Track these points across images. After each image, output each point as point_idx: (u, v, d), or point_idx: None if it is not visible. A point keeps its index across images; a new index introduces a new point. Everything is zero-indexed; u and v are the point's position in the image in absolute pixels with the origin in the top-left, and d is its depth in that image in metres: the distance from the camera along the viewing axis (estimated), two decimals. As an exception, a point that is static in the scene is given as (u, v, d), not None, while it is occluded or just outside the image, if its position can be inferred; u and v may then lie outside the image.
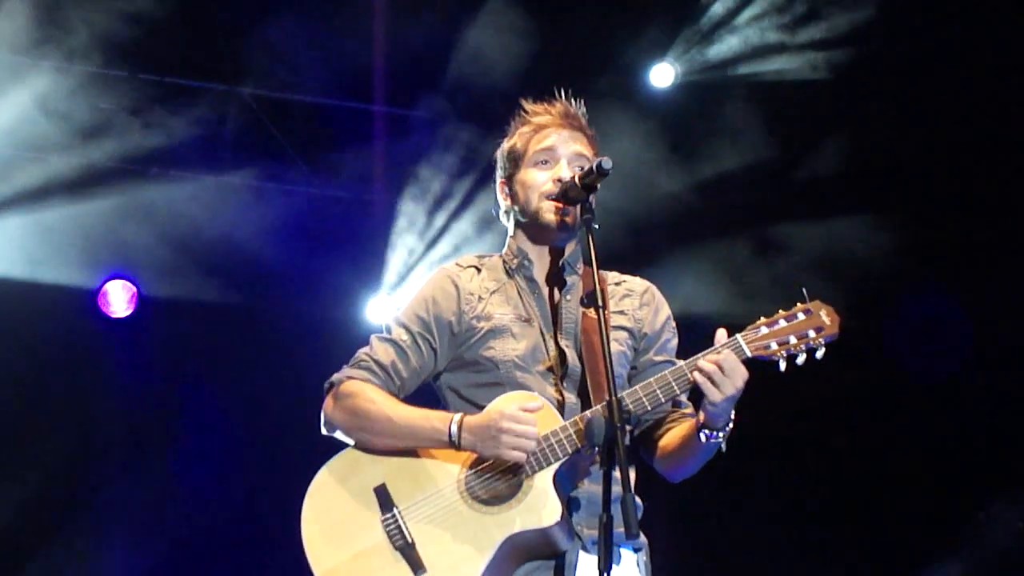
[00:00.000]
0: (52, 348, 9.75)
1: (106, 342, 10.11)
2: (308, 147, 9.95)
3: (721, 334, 4.20)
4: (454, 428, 4.23)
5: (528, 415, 4.14)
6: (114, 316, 10.06)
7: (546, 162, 4.54)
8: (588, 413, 4.18)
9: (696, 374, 4.13)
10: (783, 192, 9.46)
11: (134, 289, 10.10)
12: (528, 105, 4.71)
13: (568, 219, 4.45)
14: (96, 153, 9.55)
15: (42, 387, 9.73)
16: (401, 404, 4.40)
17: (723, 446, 4.27)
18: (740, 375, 4.13)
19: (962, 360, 9.13)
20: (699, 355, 4.18)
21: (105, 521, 9.97)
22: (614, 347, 4.45)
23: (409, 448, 4.35)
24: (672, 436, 4.44)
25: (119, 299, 10.06)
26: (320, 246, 10.03)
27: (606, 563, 3.83)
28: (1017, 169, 8.98)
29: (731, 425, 4.25)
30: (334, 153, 9.95)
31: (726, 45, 9.40)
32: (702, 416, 4.22)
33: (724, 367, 4.12)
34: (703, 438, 4.23)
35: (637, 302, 4.63)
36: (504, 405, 4.18)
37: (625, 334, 4.54)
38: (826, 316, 4.21)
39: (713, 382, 4.11)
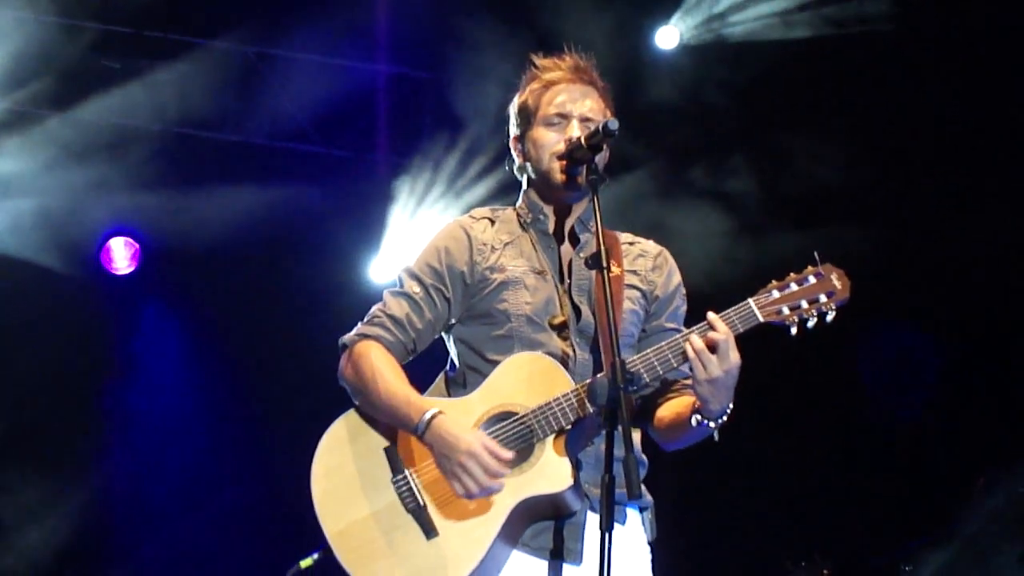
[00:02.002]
0: (56, 307, 9.75)
1: (109, 298, 10.12)
2: (311, 106, 9.93)
3: (711, 316, 4.11)
4: (425, 418, 4.19)
5: (495, 466, 4.08)
6: (117, 273, 10.07)
7: (558, 122, 4.49)
8: (597, 376, 4.15)
9: (688, 349, 4.07)
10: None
11: (136, 246, 10.10)
12: (538, 60, 4.65)
13: (578, 179, 4.39)
14: (96, 110, 9.54)
15: (47, 347, 9.73)
16: (396, 379, 4.33)
17: (715, 435, 4.23)
18: (732, 357, 4.06)
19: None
20: (698, 326, 4.13)
21: (110, 480, 10.00)
22: (626, 305, 4.43)
23: (389, 425, 4.35)
24: (669, 407, 4.40)
25: (121, 256, 10.06)
26: (323, 206, 10.02)
27: (608, 522, 3.81)
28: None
29: (726, 416, 4.18)
30: (337, 113, 9.94)
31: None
32: (696, 401, 4.17)
33: (718, 347, 4.05)
34: (694, 422, 4.19)
35: (650, 263, 4.59)
36: (476, 444, 4.10)
37: (638, 293, 4.51)
38: (837, 280, 4.15)
39: (702, 360, 4.05)
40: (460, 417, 4.23)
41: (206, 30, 9.56)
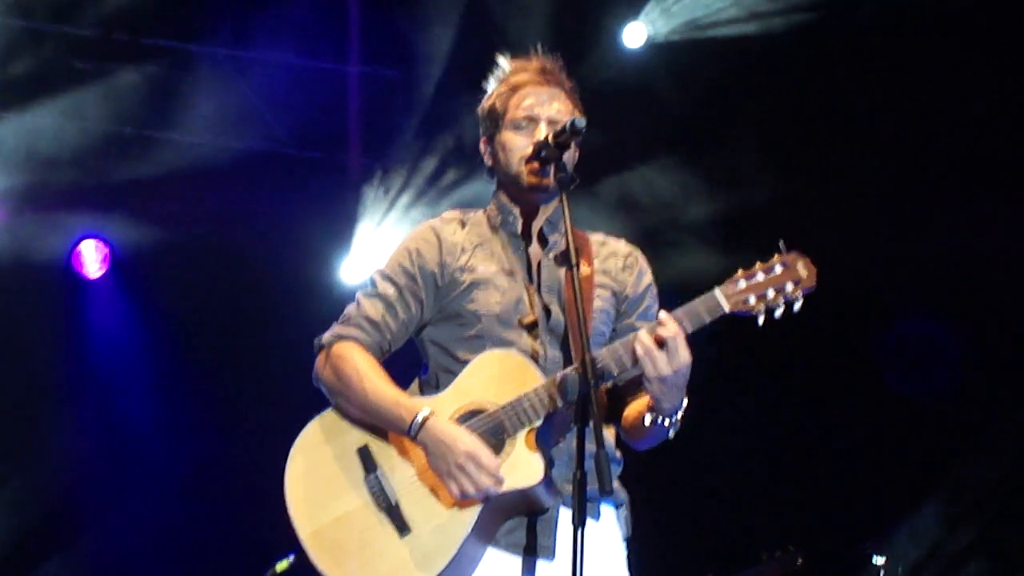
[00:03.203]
0: (27, 311, 9.74)
1: (81, 303, 10.11)
2: (281, 108, 9.93)
3: (663, 314, 4.11)
4: (419, 420, 4.22)
5: (495, 467, 4.13)
6: (88, 276, 10.06)
7: (525, 125, 4.50)
8: (565, 370, 4.19)
9: (638, 346, 4.09)
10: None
11: (107, 249, 10.09)
12: (504, 62, 4.67)
13: (546, 180, 4.41)
14: (70, 113, 9.54)
15: (18, 350, 9.72)
16: (382, 381, 4.36)
17: (671, 433, 4.25)
18: (682, 356, 4.06)
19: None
20: (647, 325, 4.15)
21: (80, 483, 9.98)
22: (597, 304, 4.46)
23: (377, 426, 4.36)
24: (633, 407, 4.41)
25: (92, 259, 10.05)
26: (294, 207, 10.02)
27: (580, 518, 3.83)
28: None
29: (680, 415, 4.20)
30: (308, 113, 9.94)
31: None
32: (648, 399, 4.21)
33: (667, 344, 4.05)
34: (648, 420, 4.21)
35: (621, 263, 4.61)
36: (474, 445, 4.14)
37: (608, 292, 4.53)
38: (803, 268, 4.13)
39: (650, 358, 4.06)
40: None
41: (175, 32, 9.55)
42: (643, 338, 4.08)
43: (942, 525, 9.04)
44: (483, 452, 4.13)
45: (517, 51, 4.71)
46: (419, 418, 4.22)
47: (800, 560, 8.73)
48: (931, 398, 9.16)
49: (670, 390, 4.11)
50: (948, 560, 8.87)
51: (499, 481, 4.12)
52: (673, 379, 4.08)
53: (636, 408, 4.38)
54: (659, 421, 4.20)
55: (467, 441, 4.15)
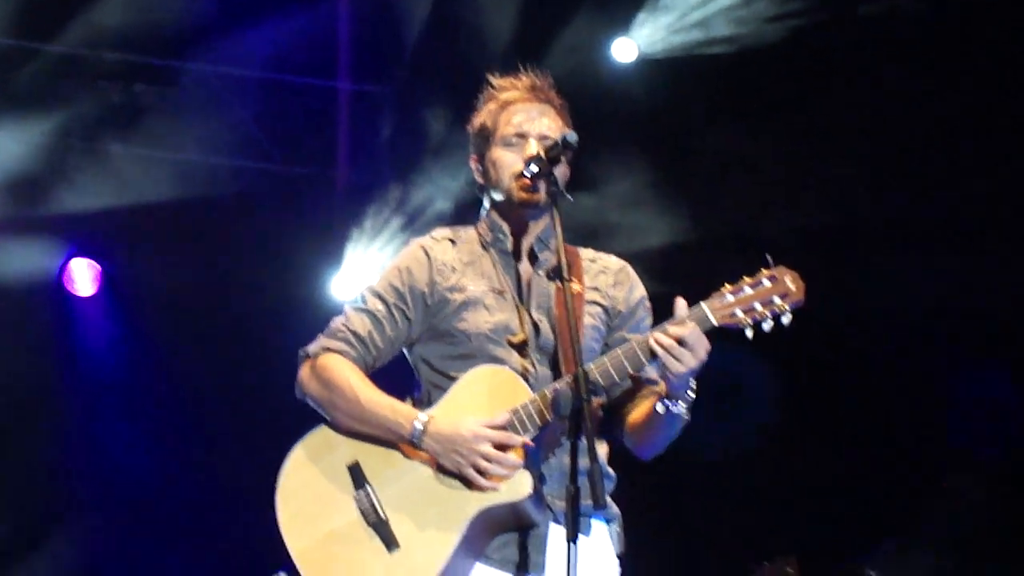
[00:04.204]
0: (15, 329, 9.73)
1: (72, 321, 10.10)
2: (270, 124, 9.94)
3: (680, 303, 4.18)
4: (418, 427, 4.25)
5: (505, 438, 4.17)
6: (79, 295, 10.06)
7: (516, 142, 4.53)
8: (556, 384, 4.21)
9: (656, 347, 4.12)
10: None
11: (98, 267, 10.09)
12: (494, 80, 4.69)
13: (537, 196, 4.44)
14: (54, 128, 9.54)
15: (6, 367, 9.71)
16: (374, 389, 4.39)
17: (686, 415, 4.28)
18: (703, 347, 4.13)
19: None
20: (663, 324, 4.18)
21: (66, 500, 9.97)
22: (587, 321, 4.48)
23: (373, 435, 4.37)
24: (639, 411, 4.44)
25: (84, 278, 10.05)
26: (283, 224, 10.02)
27: (573, 533, 3.85)
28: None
29: (692, 395, 4.24)
30: (296, 130, 9.96)
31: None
32: (663, 387, 4.24)
33: (687, 341, 4.11)
34: (660, 408, 4.24)
35: (611, 280, 4.63)
36: (478, 426, 4.18)
37: (599, 309, 4.55)
38: (791, 282, 4.16)
39: (673, 355, 4.10)
40: None
41: (163, 50, 9.56)
42: (662, 339, 4.11)
43: (937, 550, 9.03)
44: (488, 431, 4.17)
45: (507, 69, 4.72)
46: (418, 425, 4.25)
47: (790, 568, 8.74)
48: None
49: (688, 378, 4.18)
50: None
51: (515, 444, 4.16)
52: (695, 367, 4.15)
53: (641, 409, 4.42)
54: (674, 405, 4.22)
55: (469, 425, 4.19)
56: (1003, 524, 8.94)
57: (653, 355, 4.16)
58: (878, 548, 8.84)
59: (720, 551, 9.51)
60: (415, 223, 9.72)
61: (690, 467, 8.78)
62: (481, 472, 4.17)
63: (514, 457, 4.17)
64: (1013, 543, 8.92)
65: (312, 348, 4.55)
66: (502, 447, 4.18)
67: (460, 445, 4.18)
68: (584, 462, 3.91)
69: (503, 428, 4.19)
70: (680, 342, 4.11)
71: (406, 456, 4.32)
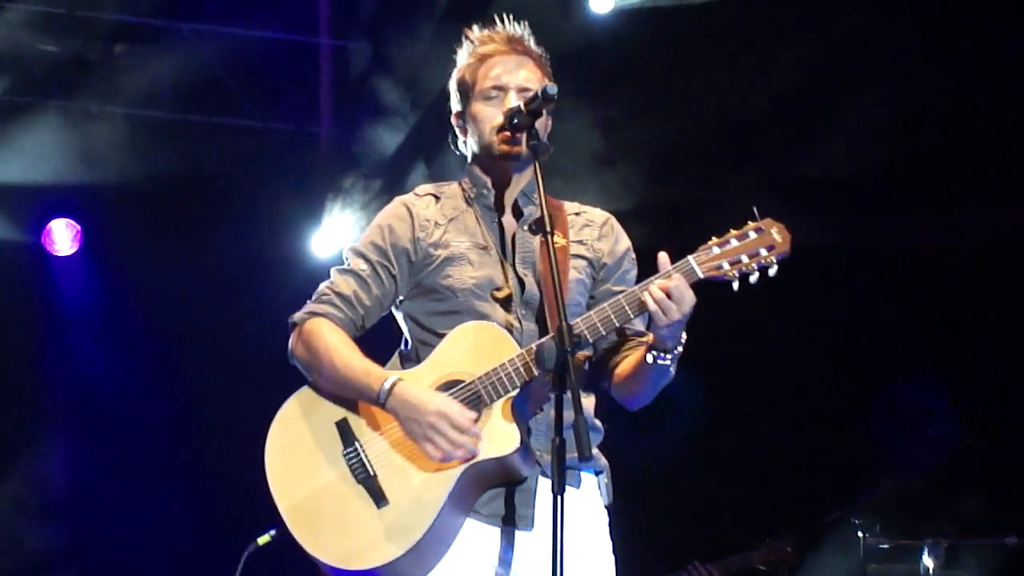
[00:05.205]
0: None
1: (52, 280, 10.10)
2: (250, 81, 9.90)
3: (663, 257, 4.18)
4: (386, 386, 4.26)
5: (467, 423, 4.17)
6: (59, 255, 10.05)
7: (495, 95, 4.52)
8: (542, 339, 4.21)
9: (647, 299, 4.13)
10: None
11: (78, 227, 10.07)
12: (472, 34, 4.67)
13: (518, 148, 4.43)
14: (33, 91, 9.51)
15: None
16: (351, 352, 4.39)
17: (672, 368, 4.29)
18: (688, 301, 4.13)
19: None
20: (650, 279, 4.19)
21: (53, 460, 9.98)
22: (572, 275, 4.47)
23: (348, 397, 4.38)
24: (626, 363, 4.45)
25: (63, 238, 10.04)
26: (265, 181, 10.00)
27: (560, 485, 3.86)
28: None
29: (680, 348, 4.26)
30: (278, 86, 9.92)
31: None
32: (651, 338, 4.25)
33: (672, 293, 4.11)
34: (650, 359, 4.24)
35: (596, 232, 4.63)
36: (445, 403, 4.19)
37: (584, 262, 4.55)
38: (777, 234, 4.18)
39: (662, 308, 4.11)
40: None
41: (139, 8, 9.51)
42: (653, 291, 4.12)
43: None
44: (454, 409, 4.17)
45: (486, 22, 4.70)
46: (387, 385, 4.25)
47: (789, 548, 8.82)
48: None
49: (677, 329, 4.18)
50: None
51: (475, 436, 4.16)
52: (682, 320, 4.15)
53: (629, 361, 4.43)
54: (662, 357, 4.23)
55: (437, 401, 4.19)
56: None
57: (640, 308, 4.17)
58: (862, 498, 8.91)
59: (718, 525, 9.56)
60: (395, 180, 9.70)
61: (690, 437, 8.91)
62: (436, 448, 4.17)
63: (471, 444, 4.16)
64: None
65: (299, 315, 4.55)
66: (465, 430, 4.17)
67: (421, 416, 4.18)
68: (569, 415, 3.91)
69: (472, 418, 4.18)
70: (668, 294, 4.11)
71: None
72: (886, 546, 8.75)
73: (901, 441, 9.21)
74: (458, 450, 4.17)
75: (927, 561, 8.44)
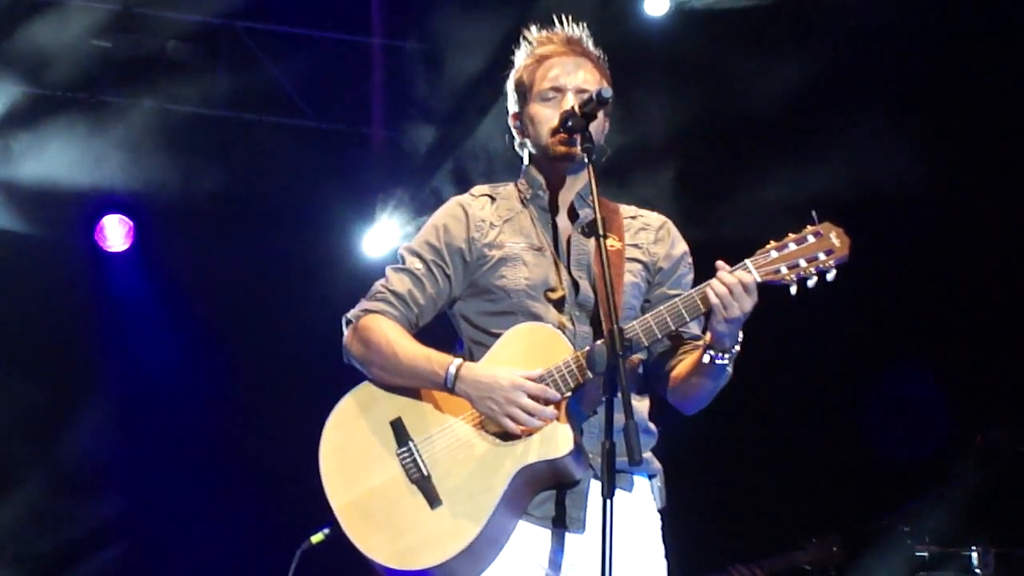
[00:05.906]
0: (51, 285, 9.78)
1: (105, 276, 10.15)
2: (304, 81, 9.94)
3: (721, 266, 4.17)
4: (452, 371, 4.26)
5: (542, 391, 4.18)
6: (111, 250, 10.10)
7: (553, 96, 4.52)
8: (596, 342, 4.20)
9: (709, 293, 4.12)
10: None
11: (130, 224, 10.13)
12: (530, 35, 4.68)
13: (573, 149, 4.42)
14: (88, 88, 9.57)
15: (42, 324, 9.77)
16: (411, 342, 4.41)
17: (729, 368, 4.28)
18: (750, 299, 4.13)
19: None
20: (707, 282, 4.17)
21: (107, 458, 10.03)
22: (627, 278, 4.47)
23: (413, 387, 4.39)
24: (682, 366, 4.44)
25: (116, 234, 10.09)
26: (317, 180, 10.03)
27: (609, 489, 3.85)
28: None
29: (738, 348, 4.25)
30: (330, 87, 9.95)
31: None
32: (708, 337, 4.24)
33: (734, 290, 4.11)
34: (707, 358, 4.23)
35: (652, 236, 4.62)
36: (518, 376, 4.19)
37: (639, 266, 4.54)
38: (836, 238, 4.17)
39: (724, 303, 4.11)
40: None
41: (194, 6, 9.56)
42: (716, 287, 4.12)
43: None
44: (525, 380, 4.18)
45: (543, 24, 4.69)
46: (452, 369, 4.26)
47: (835, 547, 8.78)
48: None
49: (736, 327, 4.17)
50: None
51: (552, 399, 4.17)
52: (740, 318, 4.14)
53: (686, 363, 4.42)
54: (720, 357, 4.22)
55: (506, 374, 4.20)
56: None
57: (699, 310, 4.17)
58: (910, 506, 8.86)
59: (765, 524, 9.52)
60: (445, 181, 9.70)
61: (739, 437, 8.87)
62: (516, 421, 4.18)
63: (551, 410, 4.18)
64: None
65: (353, 312, 4.56)
66: (539, 400, 4.18)
67: (496, 392, 4.19)
68: (620, 418, 3.91)
69: (540, 381, 4.20)
70: (730, 290, 4.11)
71: (448, 413, 4.34)
72: (935, 553, 8.69)
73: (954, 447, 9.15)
74: (538, 419, 4.17)
75: (977, 569, 8.37)
